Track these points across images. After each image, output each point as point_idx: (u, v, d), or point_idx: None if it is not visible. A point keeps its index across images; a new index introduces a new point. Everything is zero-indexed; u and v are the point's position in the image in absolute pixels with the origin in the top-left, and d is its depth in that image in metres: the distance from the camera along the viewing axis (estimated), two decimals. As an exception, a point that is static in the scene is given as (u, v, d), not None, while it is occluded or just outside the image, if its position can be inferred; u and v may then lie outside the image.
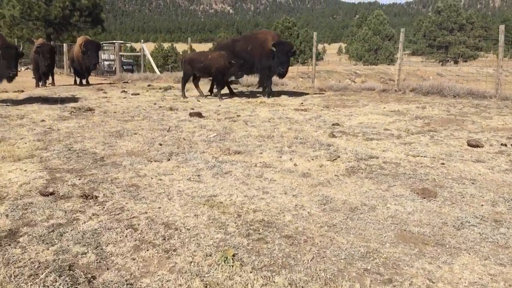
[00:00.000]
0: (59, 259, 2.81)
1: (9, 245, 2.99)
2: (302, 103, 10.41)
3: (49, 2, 28.59)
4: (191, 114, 8.34)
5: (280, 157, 5.41)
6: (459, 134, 6.85)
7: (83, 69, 14.98)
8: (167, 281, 2.60)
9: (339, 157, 5.39)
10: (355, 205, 3.85)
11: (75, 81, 15.97)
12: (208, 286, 2.55)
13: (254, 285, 2.55)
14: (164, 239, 3.13)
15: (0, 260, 2.77)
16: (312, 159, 5.29)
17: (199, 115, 8.28)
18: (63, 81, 16.64)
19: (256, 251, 2.98)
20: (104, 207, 3.70)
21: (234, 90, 12.62)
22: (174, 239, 3.12)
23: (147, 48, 23.27)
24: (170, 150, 5.68)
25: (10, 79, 9.50)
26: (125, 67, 22.94)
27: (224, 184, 4.34)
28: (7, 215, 3.47)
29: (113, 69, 21.74)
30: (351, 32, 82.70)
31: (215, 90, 11.83)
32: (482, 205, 3.87)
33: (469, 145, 6.02)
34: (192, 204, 3.81)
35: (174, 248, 3.00)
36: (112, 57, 21.93)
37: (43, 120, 7.67)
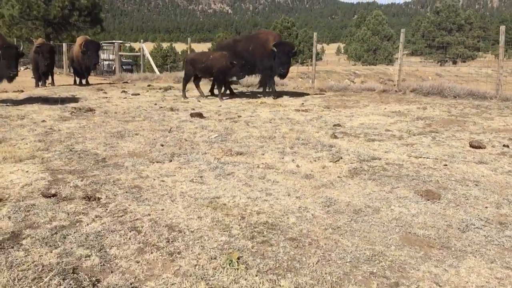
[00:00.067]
0: (62, 262, 2.78)
1: (12, 247, 2.96)
2: (302, 103, 10.39)
3: (48, 2, 28.52)
4: (192, 115, 8.32)
5: (282, 158, 5.39)
6: (461, 135, 6.84)
7: (83, 69, 14.94)
8: (172, 284, 2.58)
9: (341, 158, 5.38)
10: (359, 207, 3.83)
11: (75, 81, 15.93)
12: (213, 290, 2.53)
13: (260, 289, 2.53)
14: (168, 241, 3.11)
15: (4, 263, 2.75)
16: (315, 160, 5.28)
17: (200, 115, 8.26)
18: (62, 81, 16.60)
19: (261, 254, 2.96)
20: (107, 209, 3.68)
21: (234, 91, 12.61)
22: (178, 242, 3.10)
23: (145, 47, 23.22)
24: (171, 151, 5.66)
25: (11, 79, 9.46)
26: (124, 67, 22.90)
27: (227, 186, 4.32)
28: (9, 217, 3.44)
29: (113, 69, 21.71)
30: (349, 32, 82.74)
31: (215, 91, 11.80)
32: (486, 207, 3.85)
33: (471, 146, 6.01)
34: (195, 206, 3.79)
35: (178, 251, 2.98)
36: (111, 57, 21.89)
37: (43, 121, 7.65)
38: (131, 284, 2.58)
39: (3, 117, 7.93)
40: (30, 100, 10.26)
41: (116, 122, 7.66)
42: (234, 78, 12.21)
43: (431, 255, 3.00)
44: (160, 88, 13.62)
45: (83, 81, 15.42)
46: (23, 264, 2.74)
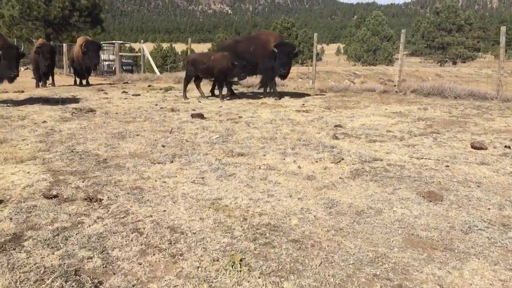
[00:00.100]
0: (64, 263, 2.77)
1: (14, 249, 2.95)
2: (303, 104, 10.38)
3: (49, 2, 28.51)
4: (193, 115, 8.31)
5: (284, 159, 5.38)
6: (462, 136, 6.83)
7: (84, 70, 14.94)
8: (175, 286, 2.57)
9: (343, 159, 5.37)
10: (361, 209, 3.82)
11: (75, 81, 15.92)
12: (216, 292, 2.52)
13: (263, 291, 2.52)
14: (170, 243, 3.10)
15: (5, 265, 2.73)
16: (316, 161, 5.27)
17: (201, 116, 8.25)
18: (63, 81, 16.58)
19: (264, 255, 2.95)
20: (108, 210, 3.66)
21: (235, 91, 12.59)
22: (181, 243, 3.09)
23: (146, 48, 23.22)
24: (173, 152, 5.64)
25: (11, 79, 9.45)
26: (124, 68, 22.90)
27: (229, 187, 4.31)
28: (11, 219, 3.43)
29: (113, 69, 21.69)
30: (349, 33, 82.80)
31: (216, 91, 11.79)
32: (489, 209, 3.84)
33: (473, 147, 6.00)
34: (197, 207, 3.78)
35: (180, 252, 2.97)
36: (111, 57, 21.88)
37: (44, 121, 7.63)
38: (133, 286, 2.57)
39: (4, 118, 7.92)
40: (31, 101, 10.25)
41: (117, 122, 7.65)
42: (236, 79, 12.19)
43: (434, 257, 2.99)
44: (160, 89, 13.61)
45: (84, 82, 15.41)
46: (25, 266, 2.73)
